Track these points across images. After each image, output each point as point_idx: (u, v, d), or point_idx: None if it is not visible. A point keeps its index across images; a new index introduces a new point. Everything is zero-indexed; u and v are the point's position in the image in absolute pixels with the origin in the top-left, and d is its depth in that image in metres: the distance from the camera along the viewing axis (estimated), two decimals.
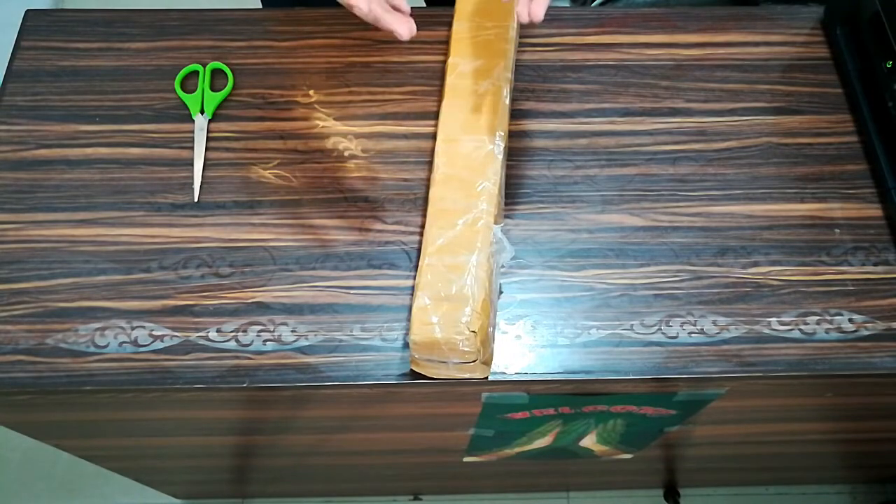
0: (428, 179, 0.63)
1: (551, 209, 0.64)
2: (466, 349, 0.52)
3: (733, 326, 0.59)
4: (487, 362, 0.55)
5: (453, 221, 0.56)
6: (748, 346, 0.58)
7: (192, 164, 0.65)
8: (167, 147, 0.66)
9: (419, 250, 0.59)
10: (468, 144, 0.60)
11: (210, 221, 0.63)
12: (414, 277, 0.60)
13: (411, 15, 0.53)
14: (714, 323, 0.59)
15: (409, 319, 0.55)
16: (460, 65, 0.64)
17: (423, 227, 0.60)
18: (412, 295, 0.56)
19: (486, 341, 0.54)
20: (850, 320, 0.60)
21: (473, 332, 0.51)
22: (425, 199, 0.61)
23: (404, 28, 0.51)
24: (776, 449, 0.97)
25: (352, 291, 0.60)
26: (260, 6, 0.74)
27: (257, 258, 0.61)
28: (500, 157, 0.59)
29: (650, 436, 0.82)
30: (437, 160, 0.60)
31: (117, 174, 0.64)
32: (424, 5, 0.91)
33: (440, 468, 1.05)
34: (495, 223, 0.56)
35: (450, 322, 0.51)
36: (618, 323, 0.59)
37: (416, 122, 0.68)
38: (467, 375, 0.55)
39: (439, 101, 0.65)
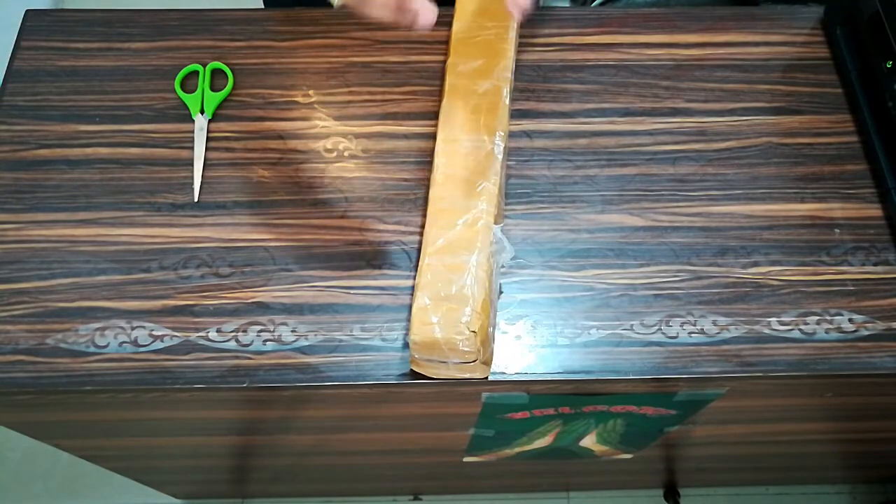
0: (428, 179, 0.63)
1: (551, 209, 0.64)
2: (466, 349, 0.52)
3: (733, 326, 0.59)
4: (487, 362, 0.55)
5: (453, 221, 0.56)
6: (748, 346, 0.58)
7: (192, 164, 0.65)
8: (167, 147, 0.66)
9: (419, 250, 0.59)
10: (468, 144, 0.60)
11: (210, 221, 0.63)
12: (414, 277, 0.60)
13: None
14: (714, 323, 0.59)
15: (409, 319, 0.55)
16: (460, 65, 0.64)
17: (423, 227, 0.60)
18: (412, 295, 0.56)
19: (487, 341, 0.54)
20: (850, 320, 0.60)
21: (473, 332, 0.51)
22: (425, 199, 0.61)
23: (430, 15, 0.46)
24: (776, 449, 0.97)
25: (352, 291, 0.60)
26: (259, 6, 0.74)
27: (257, 258, 0.61)
28: (500, 157, 0.59)
29: (650, 436, 0.82)
30: (436, 160, 0.60)
31: (117, 174, 0.64)
32: None
33: (440, 468, 1.05)
34: (495, 223, 0.56)
35: (450, 322, 0.51)
36: (618, 323, 0.59)
37: (416, 122, 0.68)
38: (467, 375, 0.55)
39: (439, 101, 0.65)
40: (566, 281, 0.61)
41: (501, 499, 1.29)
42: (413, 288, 0.58)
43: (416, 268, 0.59)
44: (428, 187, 0.60)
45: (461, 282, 0.53)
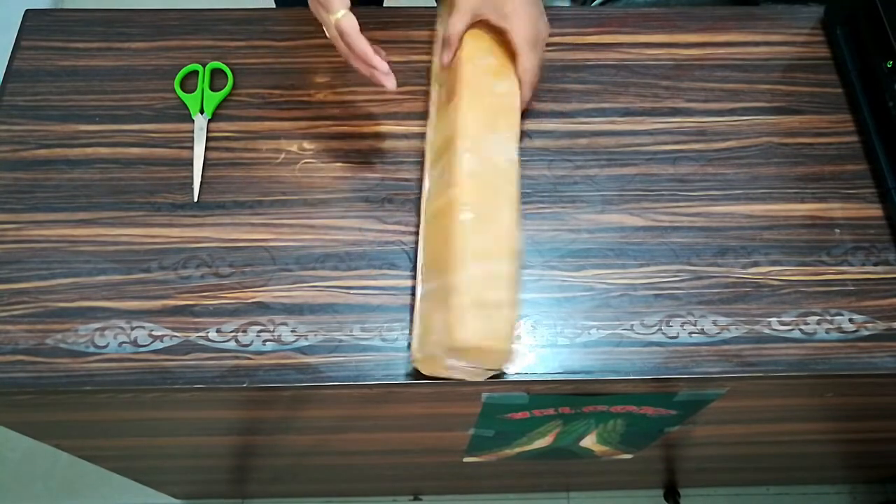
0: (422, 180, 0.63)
1: (551, 209, 0.64)
2: (503, 358, 0.52)
3: (733, 326, 0.59)
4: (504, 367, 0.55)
5: (486, 226, 0.54)
6: (748, 346, 0.58)
7: (191, 164, 0.65)
8: (167, 147, 0.66)
9: (416, 251, 0.59)
10: (493, 147, 0.58)
11: (210, 221, 0.62)
12: (413, 277, 0.60)
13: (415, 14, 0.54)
14: (714, 323, 0.59)
15: (429, 322, 0.54)
16: (477, 59, 0.62)
17: (419, 227, 0.60)
18: (445, 299, 0.52)
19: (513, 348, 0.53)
20: (851, 320, 0.60)
21: (513, 341, 0.51)
22: (424, 199, 0.61)
23: (391, 82, 0.56)
24: (776, 449, 0.97)
25: (352, 291, 0.60)
26: (259, 6, 0.74)
27: (257, 258, 0.61)
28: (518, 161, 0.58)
29: (650, 436, 0.82)
30: (461, 158, 0.56)
31: (117, 174, 0.64)
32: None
33: (440, 468, 1.05)
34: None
35: (491, 328, 0.50)
36: (618, 323, 0.59)
37: (416, 122, 0.68)
38: (477, 378, 0.55)
39: (447, 99, 0.63)
40: (566, 281, 0.61)
41: (501, 499, 1.29)
42: (444, 291, 0.53)
43: (415, 268, 0.59)
44: (425, 186, 0.60)
45: (501, 289, 0.52)
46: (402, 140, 0.67)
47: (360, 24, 0.54)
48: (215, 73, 0.70)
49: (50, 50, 0.70)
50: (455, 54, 0.62)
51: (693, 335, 0.59)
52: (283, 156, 0.66)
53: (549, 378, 0.57)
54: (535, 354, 0.58)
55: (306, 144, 0.66)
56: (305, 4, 0.74)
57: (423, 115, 0.68)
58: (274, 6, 0.76)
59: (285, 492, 1.26)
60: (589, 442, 0.82)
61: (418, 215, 0.63)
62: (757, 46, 0.73)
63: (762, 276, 0.61)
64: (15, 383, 0.56)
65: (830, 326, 0.59)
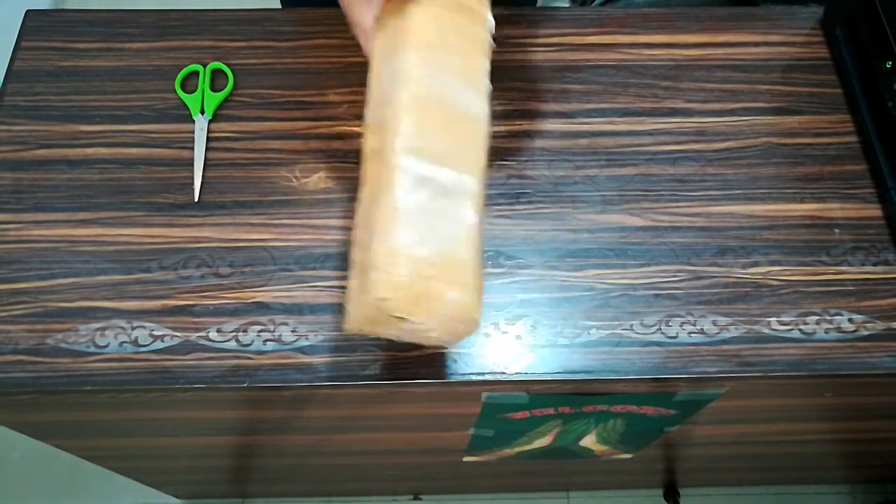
0: None
1: (551, 209, 0.64)
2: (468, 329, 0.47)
3: (733, 326, 0.59)
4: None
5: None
6: (748, 346, 0.58)
7: (192, 164, 0.65)
8: (167, 147, 0.66)
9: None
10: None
11: (210, 221, 0.63)
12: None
13: None
14: (714, 323, 0.59)
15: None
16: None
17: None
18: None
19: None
20: (850, 320, 0.60)
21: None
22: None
23: None
24: (776, 449, 0.97)
25: None
26: (259, 6, 0.75)
27: (257, 258, 0.61)
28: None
29: (650, 436, 0.82)
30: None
31: (117, 174, 0.65)
32: None
33: (440, 468, 1.05)
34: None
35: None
36: (618, 323, 0.59)
37: None
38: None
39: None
40: (566, 281, 0.61)
41: (501, 499, 1.30)
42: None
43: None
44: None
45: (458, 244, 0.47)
46: None
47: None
48: (216, 73, 0.70)
49: (50, 50, 0.71)
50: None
51: (692, 335, 0.59)
52: (283, 156, 0.66)
53: (549, 378, 0.57)
54: (535, 354, 0.58)
55: (306, 145, 0.67)
56: (309, 5, 0.74)
57: None
58: (274, 6, 0.76)
59: (285, 492, 1.26)
60: (589, 441, 0.82)
61: None
62: (756, 47, 0.73)
63: (762, 276, 0.61)
64: (15, 383, 0.56)
65: (830, 326, 0.59)
